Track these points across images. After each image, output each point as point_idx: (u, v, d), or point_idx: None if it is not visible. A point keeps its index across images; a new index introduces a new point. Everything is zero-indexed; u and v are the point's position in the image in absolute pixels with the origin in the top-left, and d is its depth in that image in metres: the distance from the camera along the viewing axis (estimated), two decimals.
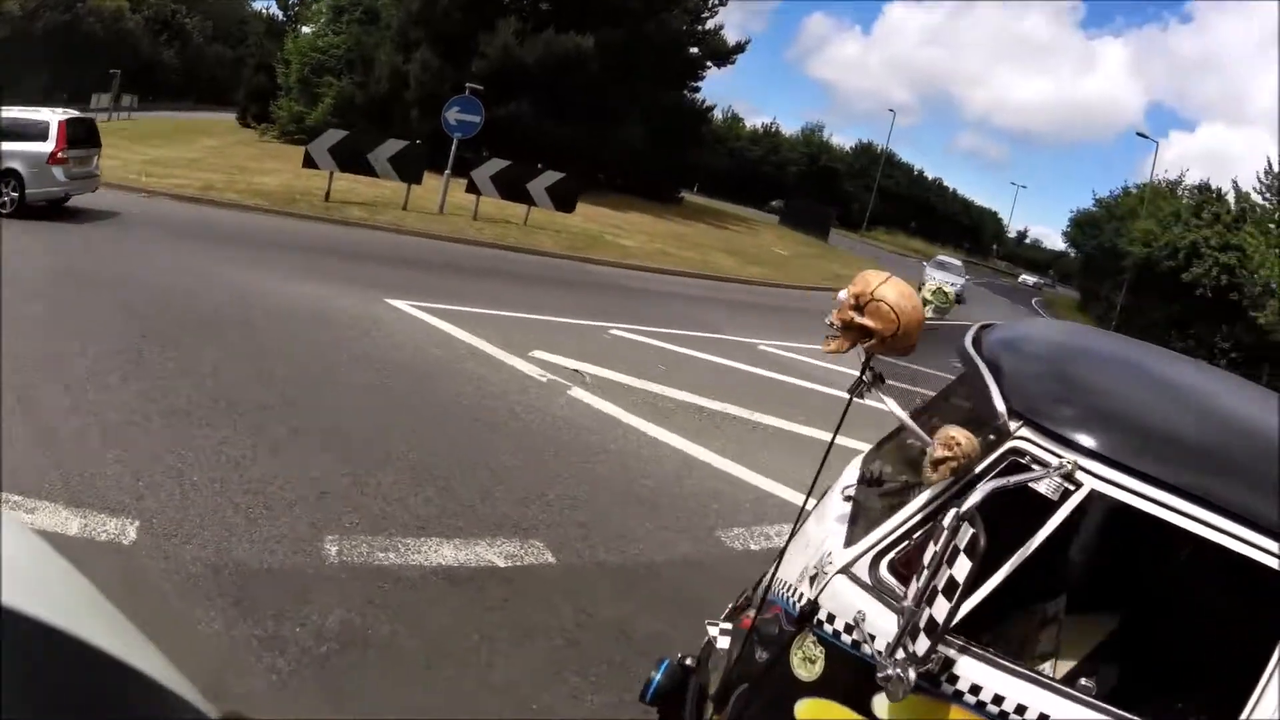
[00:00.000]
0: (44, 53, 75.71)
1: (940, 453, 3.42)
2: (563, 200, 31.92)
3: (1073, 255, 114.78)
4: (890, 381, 4.32)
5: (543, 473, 9.68)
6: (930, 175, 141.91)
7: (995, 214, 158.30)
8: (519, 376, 12.95)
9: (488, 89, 32.37)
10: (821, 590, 3.79)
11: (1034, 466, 3.39)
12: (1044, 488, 3.33)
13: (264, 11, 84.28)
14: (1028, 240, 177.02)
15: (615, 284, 26.02)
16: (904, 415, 4.07)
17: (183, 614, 5.85)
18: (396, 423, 10.11)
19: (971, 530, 3.10)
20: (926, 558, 3.23)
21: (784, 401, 15.23)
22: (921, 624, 3.19)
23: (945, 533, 3.17)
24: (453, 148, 30.13)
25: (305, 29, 64.05)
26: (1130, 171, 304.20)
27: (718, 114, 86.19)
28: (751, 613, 4.53)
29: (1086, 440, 3.40)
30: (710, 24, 63.65)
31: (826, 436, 12.07)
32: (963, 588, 3.10)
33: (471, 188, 30.11)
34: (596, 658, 6.50)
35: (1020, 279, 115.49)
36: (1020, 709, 3.33)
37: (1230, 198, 61.92)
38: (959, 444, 3.39)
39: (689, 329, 20.59)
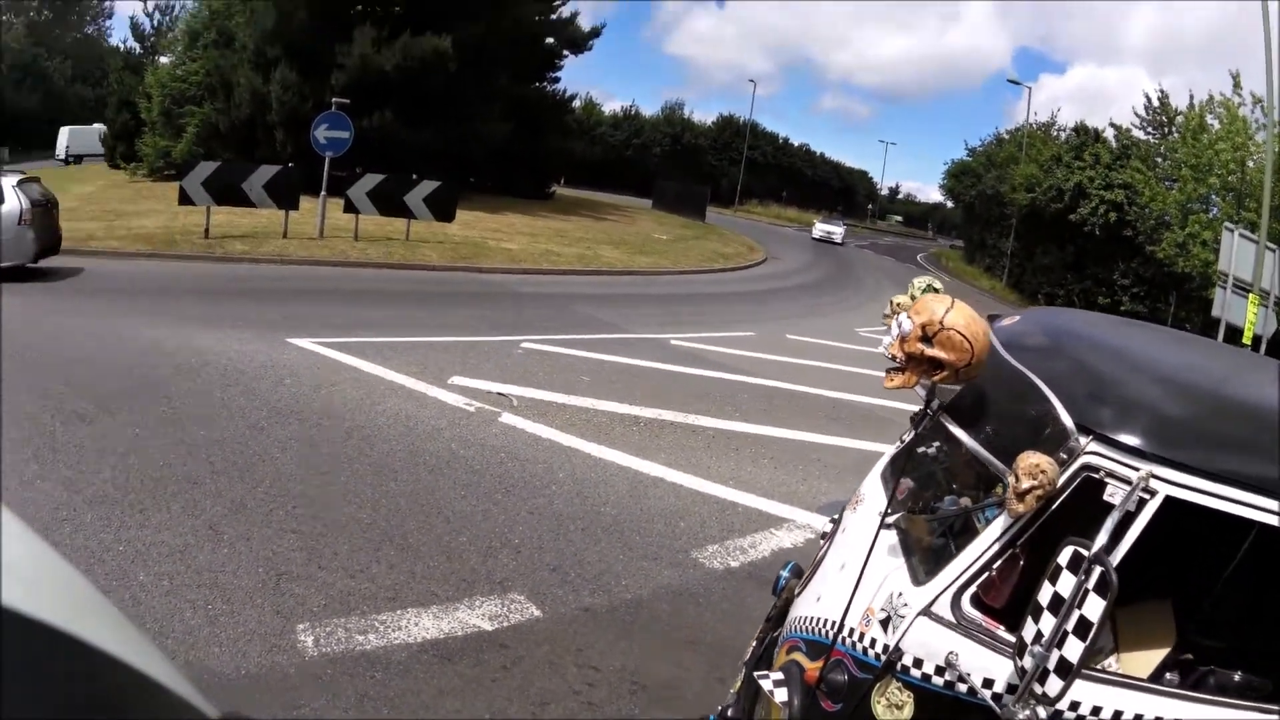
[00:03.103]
0: None
1: (1027, 483, 3.35)
2: (441, 209, 31.20)
3: (950, 206, 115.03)
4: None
5: (500, 515, 9.22)
6: (796, 142, 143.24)
7: (866, 174, 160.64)
8: (446, 409, 12.42)
9: (350, 100, 31.52)
10: (903, 635, 3.68)
11: (1108, 480, 3.40)
12: (1127, 501, 3.33)
13: (122, 46, 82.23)
14: (900, 196, 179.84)
15: (510, 291, 25.52)
16: (976, 445, 3.91)
17: None
18: (335, 480, 9.52)
19: (1101, 569, 3.09)
20: (1045, 598, 3.20)
21: (713, 399, 15.15)
22: (1051, 665, 3.16)
23: (1068, 573, 3.15)
24: (325, 167, 29.34)
25: (163, 59, 62.63)
26: (1001, 118, 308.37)
27: (577, 102, 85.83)
28: (803, 660, 4.30)
29: (1156, 446, 3.40)
30: (564, 11, 63.41)
31: (766, 432, 11.88)
32: (1096, 626, 3.08)
33: (349, 207, 29.35)
34: (618, 717, 6.17)
35: (816, 231, 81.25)
36: (1117, 715, 3.37)
37: (1110, 135, 63.02)
38: (1044, 472, 3.35)
39: (597, 332, 20.29)
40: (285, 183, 27.93)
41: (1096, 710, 3.36)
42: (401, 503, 9.18)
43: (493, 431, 11.79)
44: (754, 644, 5.60)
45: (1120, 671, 3.70)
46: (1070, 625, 3.12)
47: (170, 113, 52.93)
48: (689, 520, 9.82)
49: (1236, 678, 3.85)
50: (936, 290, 4.57)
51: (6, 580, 0.76)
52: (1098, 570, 3.08)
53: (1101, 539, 3.18)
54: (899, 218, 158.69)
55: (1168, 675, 3.95)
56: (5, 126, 79.46)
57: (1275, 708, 3.54)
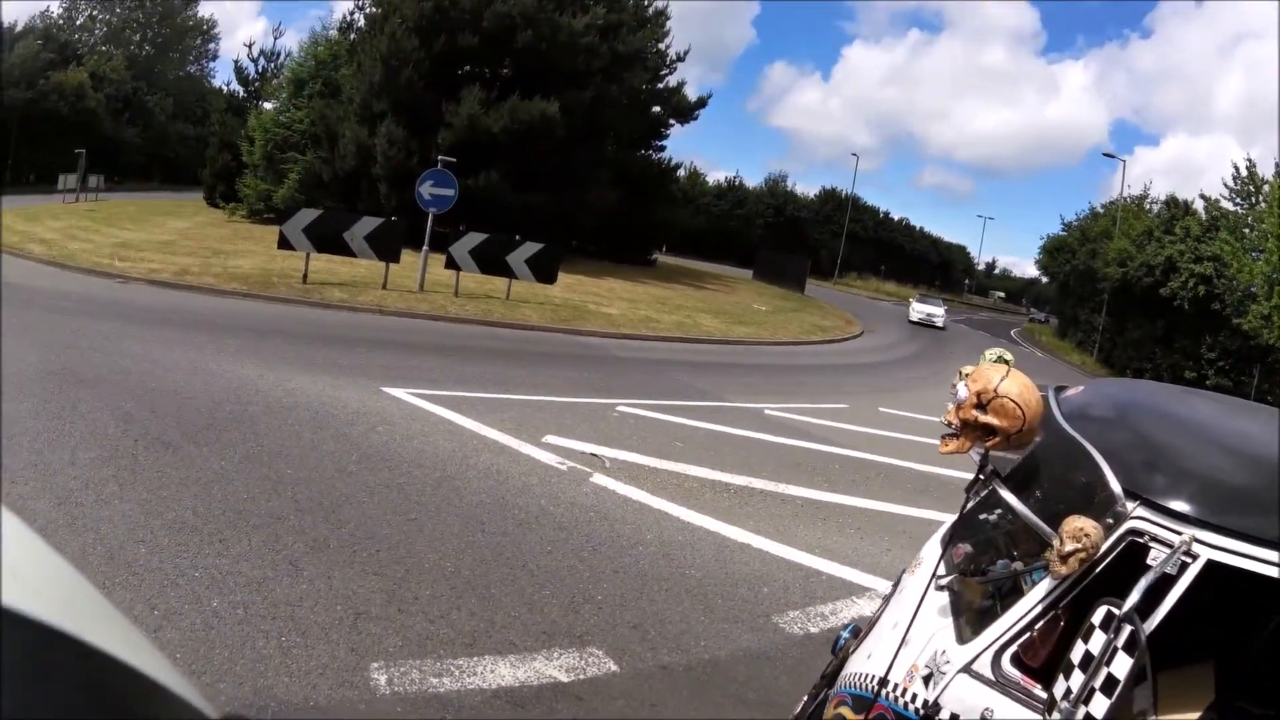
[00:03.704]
0: (3, 132, 75.87)
1: (1070, 545, 3.41)
2: (543, 271, 31.38)
3: (1045, 281, 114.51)
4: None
5: (585, 572, 9.16)
6: (896, 216, 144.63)
7: (964, 248, 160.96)
8: (538, 466, 12.41)
9: (456, 159, 31.80)
10: (943, 691, 3.72)
11: (1152, 545, 3.41)
12: (1169, 566, 3.33)
13: (225, 88, 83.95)
14: (997, 271, 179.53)
15: (608, 355, 25.61)
16: (1024, 509, 3.94)
17: None
18: (422, 527, 9.53)
19: (1131, 629, 3.14)
20: (1076, 656, 3.27)
21: (803, 469, 14.98)
22: None
23: (1100, 632, 3.22)
24: (429, 223, 29.73)
25: (267, 105, 63.76)
26: (1097, 192, 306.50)
27: (682, 171, 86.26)
28: (848, 714, 4.38)
29: (1200, 510, 3.40)
30: (671, 81, 63.89)
31: (855, 503, 11.75)
32: (1123, 684, 3.13)
33: (450, 263, 29.64)
34: None
35: (914, 312, 70.27)
36: None
37: (1199, 206, 62.40)
38: (1088, 535, 3.40)
39: (692, 399, 20.23)
40: (388, 235, 28.29)
41: None
42: (487, 554, 9.15)
43: (583, 491, 11.75)
44: (805, 699, 5.68)
45: None
46: (1098, 683, 3.17)
47: (273, 157, 54.12)
48: (772, 586, 9.71)
49: None
50: (1007, 361, 4.60)
51: (6, 580, 0.76)
52: (1127, 629, 3.14)
53: (1134, 598, 3.21)
54: (1001, 294, 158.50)
55: None
56: (104, 154, 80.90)
57: None
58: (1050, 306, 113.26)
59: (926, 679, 3.81)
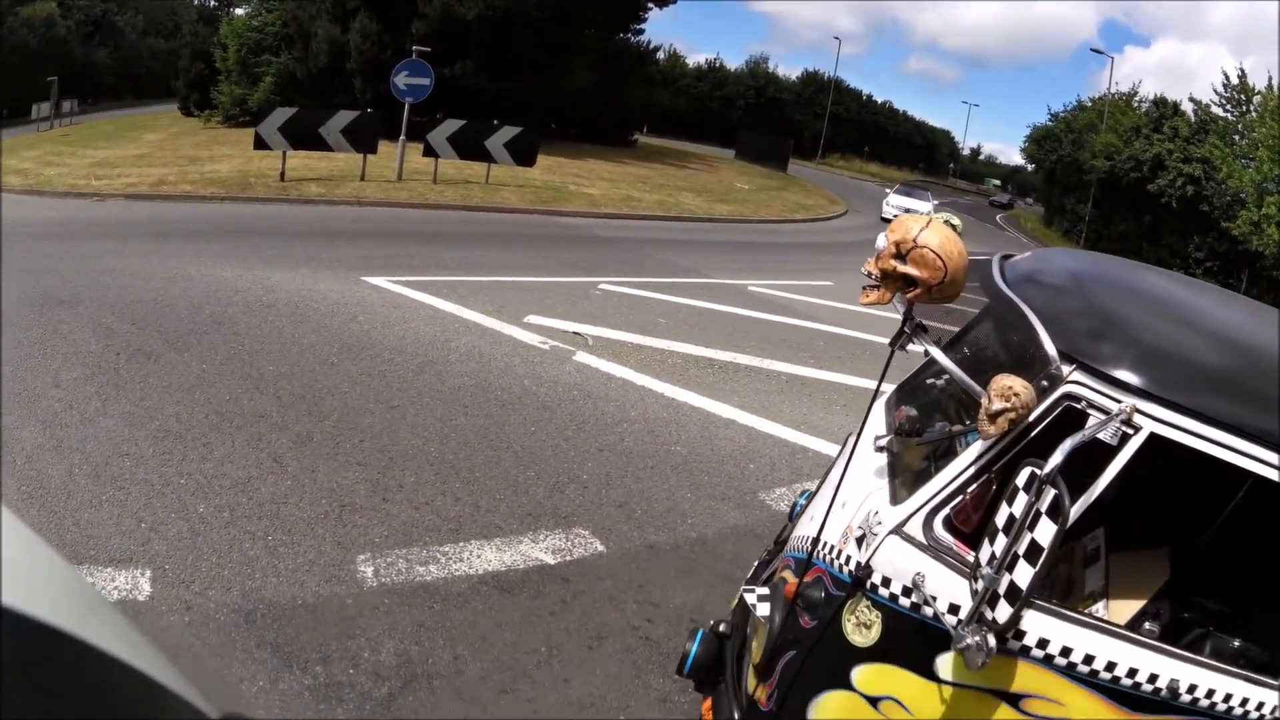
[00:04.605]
0: None
1: (998, 404, 3.29)
2: (522, 154, 31.17)
3: (1030, 170, 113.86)
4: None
5: (569, 451, 9.14)
6: (880, 99, 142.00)
7: (948, 133, 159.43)
8: (520, 346, 12.38)
9: (431, 50, 31.44)
10: (874, 553, 3.66)
11: (1090, 411, 3.34)
12: (1105, 434, 3.26)
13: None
14: (982, 157, 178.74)
15: (589, 235, 25.48)
16: (952, 366, 3.84)
17: (221, 674, 5.20)
18: (405, 414, 9.50)
19: (1054, 492, 3.03)
20: (1001, 520, 3.17)
21: (788, 345, 14.95)
22: (1002, 590, 3.14)
23: (1023, 494, 3.10)
24: (405, 113, 29.39)
25: (239, 11, 63.05)
26: (1085, 87, 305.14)
27: (660, 55, 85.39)
28: (789, 577, 4.30)
29: (1143, 381, 3.33)
30: None
31: (840, 379, 11.64)
32: (1047, 552, 3.03)
33: (429, 151, 29.32)
34: (675, 652, 5.95)
35: (890, 205, 50.56)
36: (1088, 659, 3.31)
37: (1189, 109, 62.24)
38: (1017, 395, 3.29)
39: (675, 275, 20.17)
40: (364, 127, 27.93)
41: (1067, 651, 3.32)
42: (470, 437, 9.15)
43: (566, 369, 11.74)
44: (755, 565, 5.69)
45: (1106, 617, 3.67)
46: (1022, 549, 3.08)
47: (246, 62, 53.30)
48: (759, 462, 9.70)
49: (1235, 644, 3.78)
50: (954, 226, 4.54)
51: (6, 580, 0.76)
52: (1051, 492, 3.04)
53: (1056, 459, 3.09)
54: (996, 182, 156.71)
55: (1147, 625, 3.90)
56: (76, 79, 79.89)
57: (1258, 677, 3.42)
58: (1036, 195, 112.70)
59: (860, 540, 3.78)
